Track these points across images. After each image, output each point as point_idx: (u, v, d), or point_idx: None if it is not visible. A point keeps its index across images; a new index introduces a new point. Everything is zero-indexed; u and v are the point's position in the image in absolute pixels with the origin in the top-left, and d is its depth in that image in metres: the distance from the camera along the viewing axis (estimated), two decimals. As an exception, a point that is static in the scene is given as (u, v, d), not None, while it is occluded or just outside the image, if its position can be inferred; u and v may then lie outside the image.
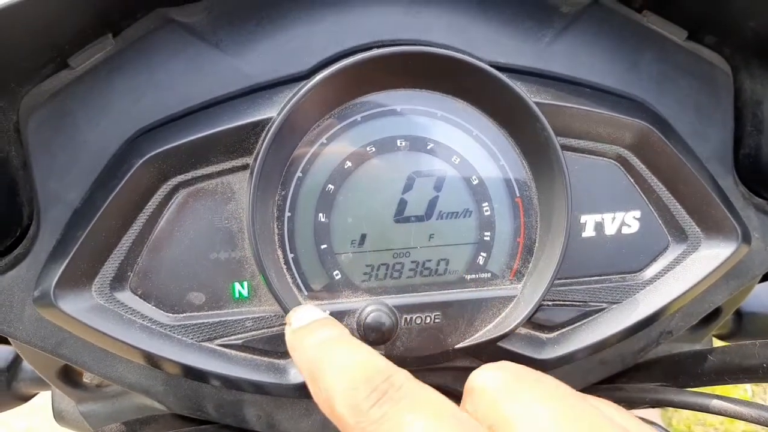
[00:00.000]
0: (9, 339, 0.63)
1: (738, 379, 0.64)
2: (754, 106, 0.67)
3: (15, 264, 0.59)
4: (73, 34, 0.56)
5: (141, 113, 0.59)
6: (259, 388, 0.60)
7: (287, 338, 0.49)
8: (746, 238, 0.66)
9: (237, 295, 0.60)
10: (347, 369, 0.40)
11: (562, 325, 0.66)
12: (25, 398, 0.87)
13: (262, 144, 0.56)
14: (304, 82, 0.58)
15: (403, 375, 0.40)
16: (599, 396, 0.43)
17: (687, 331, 0.76)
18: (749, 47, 0.65)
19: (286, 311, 0.57)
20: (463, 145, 0.61)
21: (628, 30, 0.65)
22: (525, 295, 0.62)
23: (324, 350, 0.44)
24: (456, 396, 0.64)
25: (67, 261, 0.56)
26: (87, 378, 0.74)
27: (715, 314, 0.78)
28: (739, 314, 0.91)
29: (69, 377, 0.72)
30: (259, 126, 0.57)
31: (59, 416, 0.81)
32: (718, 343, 0.96)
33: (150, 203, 0.58)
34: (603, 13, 0.65)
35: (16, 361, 0.86)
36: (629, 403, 0.68)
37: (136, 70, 0.59)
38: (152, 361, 0.59)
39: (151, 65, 0.59)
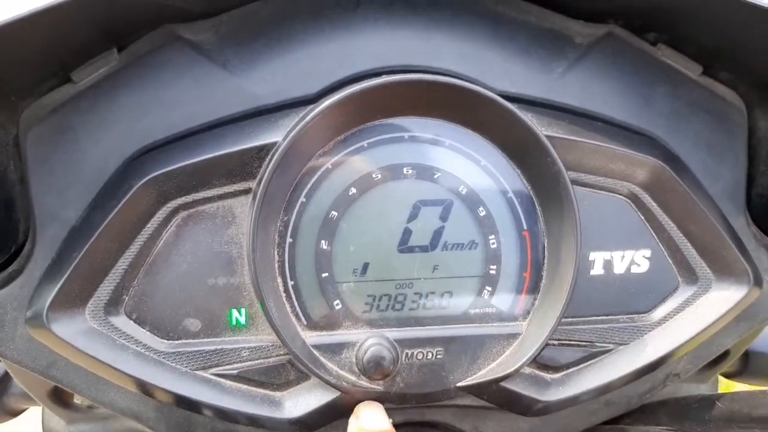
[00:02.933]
0: (-1, 356, 0.61)
1: (747, 428, 0.62)
2: None
3: (9, 281, 0.58)
4: (77, 48, 0.56)
5: (144, 131, 0.58)
6: (253, 420, 0.59)
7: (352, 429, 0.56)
8: (758, 281, 0.64)
9: (234, 322, 0.59)
10: None
11: (568, 366, 0.64)
12: (15, 413, 0.85)
13: (266, 169, 0.55)
14: (311, 106, 0.57)
15: None
16: None
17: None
18: (765, 84, 0.64)
19: (283, 341, 0.55)
20: (470, 175, 0.60)
21: (642, 63, 0.64)
22: (530, 333, 0.60)
23: None
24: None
25: (61, 282, 0.54)
26: (78, 399, 0.72)
27: (723, 355, 0.76)
28: (746, 354, 0.89)
29: (60, 398, 0.71)
30: (264, 150, 0.56)
31: (48, 434, 0.79)
32: (723, 380, 0.94)
33: (149, 225, 0.56)
34: (617, 45, 0.64)
35: (6, 375, 0.84)
36: (633, 446, 0.66)
37: (141, 86, 0.58)
38: (144, 388, 0.57)
39: (156, 83, 0.58)
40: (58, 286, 0.54)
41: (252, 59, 0.59)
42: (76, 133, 0.57)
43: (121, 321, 0.57)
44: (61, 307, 0.55)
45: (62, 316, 0.55)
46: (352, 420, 0.57)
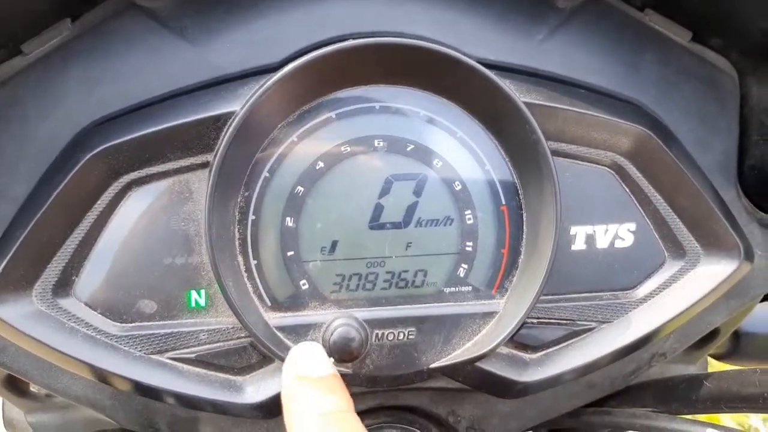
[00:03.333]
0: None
1: (736, 408, 0.60)
2: (761, 114, 0.63)
3: None
4: (29, 18, 0.52)
5: (96, 104, 0.54)
6: (213, 406, 0.56)
7: (286, 379, 0.47)
8: (749, 256, 0.61)
9: (193, 304, 0.55)
10: None
11: (548, 345, 0.61)
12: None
13: (222, 139, 0.51)
14: (272, 74, 0.53)
15: None
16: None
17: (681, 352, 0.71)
18: (758, 50, 0.60)
19: (243, 323, 0.52)
20: (445, 148, 0.57)
21: (628, 29, 0.61)
22: (508, 312, 0.57)
23: (330, 427, 0.44)
24: (433, 418, 0.59)
25: (5, 262, 0.51)
26: (34, 387, 0.69)
27: (711, 335, 0.73)
28: (736, 334, 0.87)
29: (15, 386, 0.68)
30: (221, 120, 0.52)
31: (9, 424, 0.76)
32: (712, 363, 0.92)
33: (99, 202, 0.53)
34: (602, 10, 0.61)
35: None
36: (618, 429, 0.64)
37: (93, 57, 0.54)
38: (97, 374, 0.54)
39: (109, 53, 0.54)
40: (2, 266, 0.51)
41: (211, 27, 0.55)
42: (25, 107, 0.54)
43: (71, 303, 0.54)
44: (6, 288, 0.51)
45: (7, 297, 0.52)
46: (286, 365, 0.49)
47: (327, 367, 0.48)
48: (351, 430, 0.44)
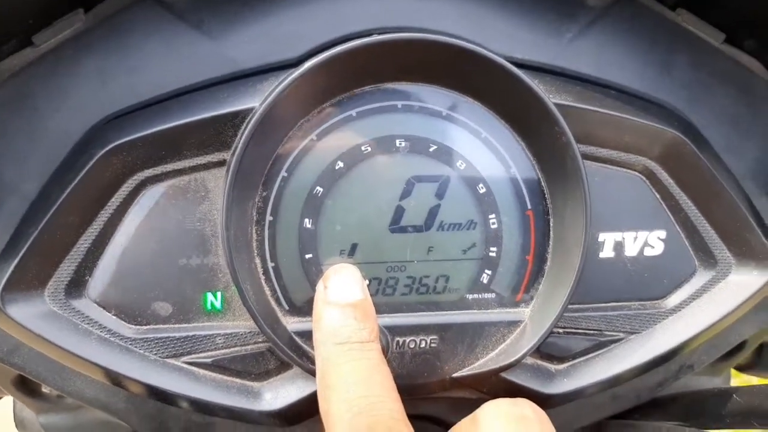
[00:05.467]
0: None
1: (767, 424, 0.57)
2: None
3: None
4: (40, 7, 0.51)
5: (109, 98, 0.53)
6: (229, 413, 0.54)
7: (317, 303, 0.49)
8: None
9: (209, 306, 0.54)
10: (350, 399, 0.42)
11: (574, 356, 0.59)
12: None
13: (241, 137, 0.50)
14: (293, 69, 0.52)
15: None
16: None
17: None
18: None
19: (261, 328, 0.51)
20: (469, 149, 0.55)
21: (660, 29, 0.59)
22: (533, 321, 0.55)
23: (344, 357, 0.44)
24: (452, 427, 0.56)
25: (16, 260, 0.50)
26: (46, 388, 0.68)
27: (738, 347, 0.71)
28: (761, 345, 0.84)
29: (27, 386, 0.66)
30: (239, 117, 0.51)
31: (21, 424, 0.75)
32: (735, 373, 0.90)
33: (113, 200, 0.51)
34: (634, 9, 0.59)
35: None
36: (642, 443, 0.62)
37: (107, 50, 0.53)
38: (111, 377, 0.53)
39: (124, 45, 0.53)
40: (13, 265, 0.49)
41: (229, 20, 0.54)
42: (36, 100, 0.53)
43: (84, 304, 0.52)
44: (18, 288, 0.50)
45: (19, 297, 0.50)
46: (318, 287, 0.50)
47: (356, 292, 0.48)
48: (367, 361, 0.44)
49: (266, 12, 0.54)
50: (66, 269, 0.51)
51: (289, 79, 0.49)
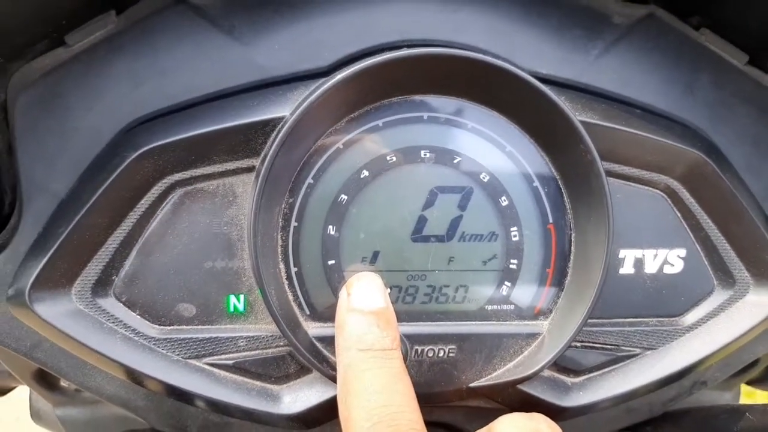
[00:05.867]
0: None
1: (779, 444, 0.58)
2: None
3: None
4: (73, 8, 0.51)
5: (140, 101, 0.53)
6: (248, 415, 0.55)
7: (340, 309, 0.50)
8: None
9: (232, 309, 0.55)
10: (371, 407, 0.43)
11: (590, 370, 0.59)
12: (2, 392, 0.82)
13: (271, 145, 0.50)
14: (323, 80, 0.52)
15: None
16: None
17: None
18: None
19: (283, 332, 0.51)
20: (493, 162, 0.55)
21: (684, 48, 0.59)
22: (551, 334, 0.56)
23: (367, 364, 0.45)
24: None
25: (45, 259, 0.50)
26: (65, 382, 0.69)
27: (751, 364, 0.71)
28: (772, 361, 0.84)
29: (45, 379, 0.67)
30: (270, 125, 0.51)
31: (36, 415, 0.76)
32: (745, 387, 0.90)
33: (142, 202, 0.52)
34: (658, 28, 0.59)
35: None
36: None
37: (139, 52, 0.53)
38: (133, 376, 0.53)
39: (155, 48, 0.53)
40: (42, 263, 0.50)
41: (261, 26, 0.54)
42: (67, 100, 0.53)
43: (110, 303, 0.53)
44: (45, 285, 0.51)
45: (46, 295, 0.51)
46: (341, 293, 0.51)
47: (379, 300, 0.49)
48: (389, 369, 0.45)
49: (297, 20, 0.55)
50: (93, 268, 0.52)
51: (320, 90, 0.49)
